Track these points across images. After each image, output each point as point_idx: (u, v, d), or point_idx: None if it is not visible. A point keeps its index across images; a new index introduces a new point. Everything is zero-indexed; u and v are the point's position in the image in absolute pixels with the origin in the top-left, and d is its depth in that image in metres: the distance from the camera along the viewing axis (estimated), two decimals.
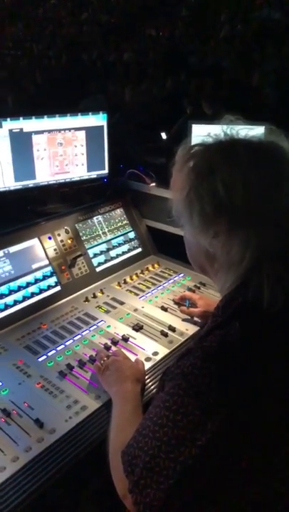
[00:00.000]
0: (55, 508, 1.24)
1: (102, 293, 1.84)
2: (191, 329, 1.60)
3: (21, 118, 1.84)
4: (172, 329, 1.59)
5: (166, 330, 1.59)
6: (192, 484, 0.86)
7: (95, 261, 1.95)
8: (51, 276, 1.79)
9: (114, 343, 1.53)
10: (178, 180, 1.00)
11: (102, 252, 1.99)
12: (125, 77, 7.23)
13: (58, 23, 13.60)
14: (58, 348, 1.51)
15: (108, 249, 2.01)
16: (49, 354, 1.48)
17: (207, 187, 0.91)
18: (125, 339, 1.54)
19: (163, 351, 1.49)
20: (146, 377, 1.37)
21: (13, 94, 5.70)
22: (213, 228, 0.93)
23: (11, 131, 1.82)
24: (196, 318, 1.64)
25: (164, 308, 1.72)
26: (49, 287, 1.76)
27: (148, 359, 1.46)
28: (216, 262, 1.00)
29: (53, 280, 1.79)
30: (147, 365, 1.41)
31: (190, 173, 0.96)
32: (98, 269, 1.94)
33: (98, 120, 2.03)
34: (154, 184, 2.03)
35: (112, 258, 2.01)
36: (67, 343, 1.53)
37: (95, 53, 10.39)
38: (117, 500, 1.40)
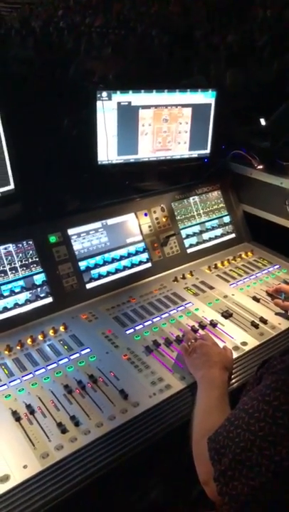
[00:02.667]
0: (128, 481, 1.25)
1: (192, 275, 1.80)
2: (284, 324, 1.51)
3: (130, 91, 1.83)
4: (264, 321, 1.52)
5: (257, 321, 1.52)
6: (285, 486, 0.81)
7: (186, 242, 1.91)
8: (143, 252, 1.79)
9: (202, 326, 1.49)
10: None
11: (194, 234, 1.94)
12: (228, 59, 6.99)
13: (164, 3, 13.47)
14: (146, 324, 1.50)
15: (201, 232, 1.97)
16: (136, 328, 1.48)
17: None
18: (213, 324, 1.50)
19: (252, 342, 1.43)
20: (234, 366, 1.32)
21: (115, 72, 5.77)
22: None
23: (119, 104, 1.82)
24: None
25: (256, 299, 1.64)
26: (140, 263, 1.77)
27: (236, 348, 1.40)
28: None
29: (144, 256, 1.79)
30: (235, 355, 1.36)
31: None
32: (189, 251, 1.91)
33: (206, 98, 1.96)
34: (261, 167, 1.93)
35: (204, 241, 1.96)
36: (154, 320, 1.53)
37: (198, 34, 10.17)
38: (187, 482, 1.39)
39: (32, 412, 1.15)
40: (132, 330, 1.48)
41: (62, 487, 0.99)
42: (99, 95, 1.78)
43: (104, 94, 1.79)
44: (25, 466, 1.01)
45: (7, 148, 1.61)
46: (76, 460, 1.04)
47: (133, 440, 1.10)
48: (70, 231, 1.65)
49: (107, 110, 1.80)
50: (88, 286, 1.64)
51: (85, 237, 1.68)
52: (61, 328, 1.46)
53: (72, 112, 3.21)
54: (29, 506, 0.95)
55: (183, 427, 1.15)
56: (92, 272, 1.66)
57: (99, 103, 1.78)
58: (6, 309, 1.46)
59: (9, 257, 1.51)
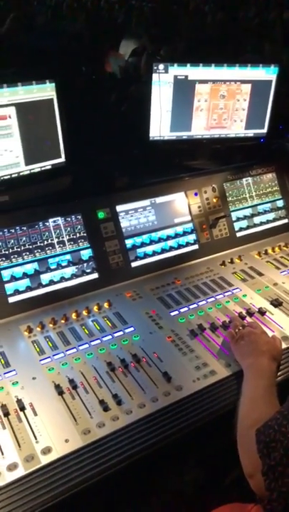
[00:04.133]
0: (163, 464, 1.23)
1: (240, 260, 1.73)
2: None
3: (188, 65, 1.75)
4: None
5: None
6: None
7: (236, 225, 1.84)
8: (191, 233, 1.73)
9: (250, 314, 1.43)
10: None
11: (245, 217, 1.87)
12: (285, 37, 6.65)
13: None
14: (191, 307, 1.46)
15: (252, 215, 1.88)
16: (181, 310, 1.45)
17: None
18: (262, 312, 1.44)
19: None
20: (283, 357, 1.26)
21: (166, 48, 5.62)
22: None
23: (176, 77, 1.75)
24: None
25: None
26: (187, 244, 1.72)
27: (285, 338, 1.34)
28: None
29: (192, 237, 1.73)
30: (284, 345, 1.30)
31: None
32: (239, 234, 1.84)
33: (268, 74, 1.85)
34: None
35: (255, 225, 1.88)
36: (200, 303, 1.48)
37: (253, 11, 9.73)
38: (222, 467, 1.37)
39: (74, 387, 1.14)
40: (176, 312, 1.44)
41: (102, 465, 0.98)
42: (155, 67, 1.71)
43: (161, 66, 1.72)
44: (66, 440, 1.01)
45: (60, 121, 1.59)
46: (118, 439, 1.03)
47: (175, 424, 1.07)
48: (119, 208, 1.61)
49: (162, 83, 1.74)
50: (133, 264, 1.61)
51: (133, 215, 1.64)
52: (105, 305, 1.45)
53: (120, 87, 3.15)
54: (68, 481, 0.94)
55: (226, 415, 1.11)
56: (138, 250, 1.63)
57: (155, 76, 1.72)
58: (52, 282, 1.46)
59: (58, 231, 1.50)
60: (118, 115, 2.56)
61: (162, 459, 1.16)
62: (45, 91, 1.53)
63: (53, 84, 1.54)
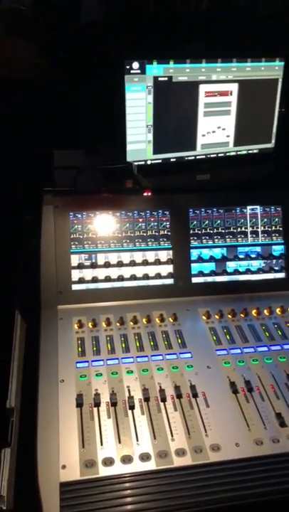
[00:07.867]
0: None
1: None
2: None
3: None
4: None
5: None
6: None
7: None
8: None
9: None
10: None
11: None
12: None
13: None
14: None
15: None
16: None
17: None
18: None
19: None
20: None
21: None
22: None
23: None
24: None
25: None
26: None
27: None
28: None
29: None
30: None
31: None
32: None
33: None
34: None
35: None
36: None
37: None
38: None
39: (250, 389, 1.06)
40: None
41: (268, 486, 0.88)
42: None
43: None
44: (237, 444, 0.94)
45: (279, 103, 1.47)
46: None
47: None
48: None
49: None
50: None
51: None
52: None
53: None
54: (235, 490, 0.87)
55: None
56: None
57: None
58: (237, 272, 1.38)
59: (253, 220, 1.41)
60: None
61: None
62: (273, 70, 1.42)
63: (282, 64, 1.43)
